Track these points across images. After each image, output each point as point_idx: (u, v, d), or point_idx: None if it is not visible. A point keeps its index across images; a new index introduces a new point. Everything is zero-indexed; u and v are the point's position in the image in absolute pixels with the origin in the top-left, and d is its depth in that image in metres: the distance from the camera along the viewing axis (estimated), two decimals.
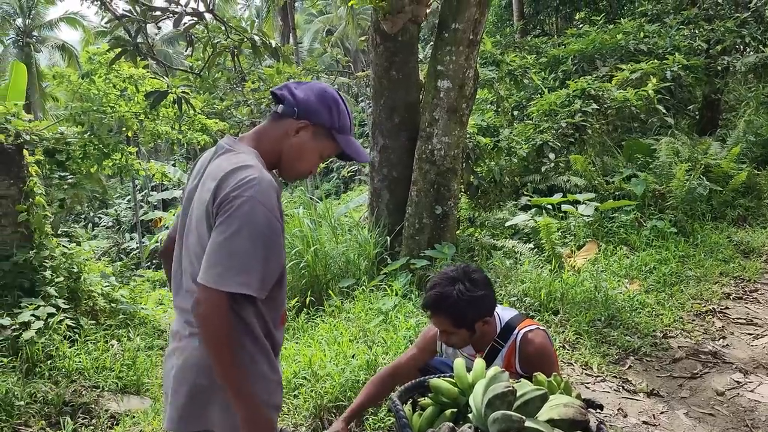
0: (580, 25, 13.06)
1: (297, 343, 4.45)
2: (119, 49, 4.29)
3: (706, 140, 8.46)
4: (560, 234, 6.08)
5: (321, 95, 1.74)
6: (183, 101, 4.42)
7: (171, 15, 3.77)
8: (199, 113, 7.98)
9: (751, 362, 3.92)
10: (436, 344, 2.60)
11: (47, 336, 4.64)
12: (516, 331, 2.39)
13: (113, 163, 7.54)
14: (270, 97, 10.58)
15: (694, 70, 9.27)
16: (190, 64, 9.46)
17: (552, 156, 7.73)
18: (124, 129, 7.61)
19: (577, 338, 4.18)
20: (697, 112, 10.80)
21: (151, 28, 3.90)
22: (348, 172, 21.79)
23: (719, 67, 9.38)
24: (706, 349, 4.10)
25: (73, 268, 5.58)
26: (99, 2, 4.39)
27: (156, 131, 7.75)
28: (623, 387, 3.62)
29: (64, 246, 5.77)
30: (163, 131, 7.82)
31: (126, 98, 7.57)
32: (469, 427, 1.58)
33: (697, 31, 9.95)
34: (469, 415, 1.70)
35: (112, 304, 5.88)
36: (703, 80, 9.62)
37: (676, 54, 9.19)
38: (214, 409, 1.60)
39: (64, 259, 5.54)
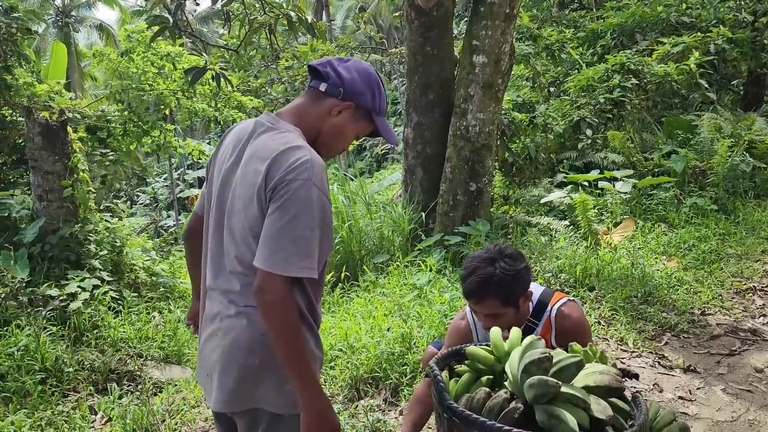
0: None
1: (333, 316, 4.54)
2: (157, 27, 4.36)
3: (750, 116, 8.20)
4: (596, 211, 6.01)
5: (366, 77, 1.72)
6: (221, 77, 4.49)
7: None
8: (234, 91, 8.06)
9: None
10: (469, 337, 2.54)
11: (93, 307, 4.81)
12: (549, 308, 2.38)
13: (152, 140, 7.70)
14: (304, 74, 10.64)
15: (739, 43, 8.97)
16: (225, 42, 9.55)
17: (589, 132, 7.61)
18: (162, 107, 7.75)
19: (612, 314, 4.15)
20: (741, 88, 10.46)
21: (189, 5, 3.95)
22: (381, 150, 21.77)
23: (765, 41, 9.04)
24: (746, 326, 4.04)
25: (116, 242, 5.75)
26: None
27: (193, 108, 7.87)
28: (659, 363, 3.61)
29: (107, 221, 5.95)
30: (200, 109, 7.93)
31: (164, 76, 7.70)
32: (505, 393, 1.60)
33: (742, 3, 9.60)
34: (505, 382, 1.72)
35: (153, 278, 6.05)
36: (748, 54, 9.30)
37: (720, 27, 8.89)
38: (264, 387, 1.61)
39: (107, 234, 5.71)
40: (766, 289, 4.62)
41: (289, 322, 1.52)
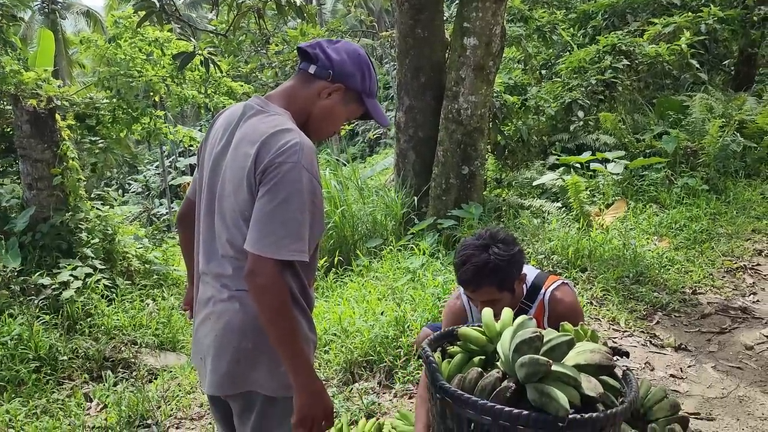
0: None
1: (326, 301, 4.55)
2: (144, 12, 4.31)
3: (741, 96, 8.21)
4: (589, 192, 6.03)
5: (356, 59, 1.70)
6: (210, 62, 4.45)
7: None
8: (224, 76, 8.00)
9: None
10: (464, 315, 2.54)
11: (86, 295, 4.81)
12: (543, 291, 2.38)
13: (142, 127, 7.65)
14: (294, 59, 10.55)
15: (730, 22, 8.95)
16: (214, 27, 9.47)
17: (581, 114, 7.60)
18: (151, 93, 7.69)
19: (604, 294, 4.18)
20: (732, 68, 10.46)
21: None
22: (373, 135, 21.72)
23: (755, 18, 9.02)
24: (736, 304, 4.07)
25: (108, 230, 5.73)
26: None
27: (183, 95, 7.81)
28: (651, 342, 3.64)
29: (98, 209, 5.93)
30: (190, 95, 7.88)
31: (152, 62, 7.63)
32: (497, 372, 1.61)
33: None
34: (497, 362, 1.73)
35: (146, 265, 6.04)
36: (739, 33, 9.28)
37: (711, 6, 8.87)
38: (257, 370, 1.62)
39: (98, 222, 5.69)
40: (756, 267, 4.65)
41: (281, 305, 1.51)
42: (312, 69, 1.69)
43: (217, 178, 1.67)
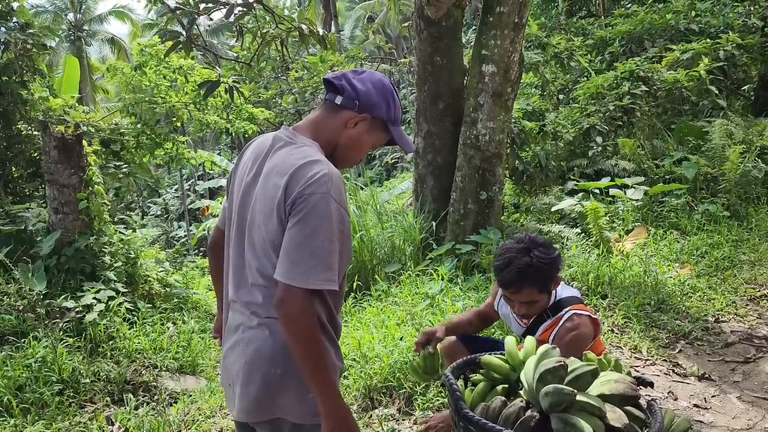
0: (628, 5, 12.69)
1: (346, 326, 4.55)
2: (170, 42, 4.42)
3: (761, 121, 8.16)
4: (608, 218, 6.00)
5: (381, 88, 1.75)
6: (234, 90, 4.55)
7: (222, 6, 3.88)
8: (246, 102, 8.14)
9: None
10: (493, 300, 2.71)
11: (108, 318, 4.86)
12: (566, 309, 2.41)
13: (165, 152, 7.79)
14: (314, 85, 10.69)
15: (748, 49, 8.94)
16: (236, 54, 9.66)
17: (599, 140, 7.60)
18: (174, 119, 7.85)
19: (625, 322, 4.15)
20: (752, 93, 10.41)
21: (203, 20, 4.02)
22: (391, 159, 21.83)
23: None
24: (761, 333, 4.02)
25: (130, 253, 5.80)
26: None
27: (205, 121, 7.95)
28: (673, 371, 3.59)
29: (121, 233, 6.01)
30: (212, 121, 8.02)
31: (176, 89, 7.80)
32: (521, 401, 1.62)
33: (752, 8, 9.57)
34: (520, 391, 1.74)
35: (167, 289, 6.10)
36: (758, 59, 9.27)
37: (730, 33, 8.88)
38: (286, 397, 1.64)
39: (121, 245, 5.77)
40: None
41: (309, 334, 1.54)
42: (338, 100, 1.74)
43: (247, 208, 1.71)
